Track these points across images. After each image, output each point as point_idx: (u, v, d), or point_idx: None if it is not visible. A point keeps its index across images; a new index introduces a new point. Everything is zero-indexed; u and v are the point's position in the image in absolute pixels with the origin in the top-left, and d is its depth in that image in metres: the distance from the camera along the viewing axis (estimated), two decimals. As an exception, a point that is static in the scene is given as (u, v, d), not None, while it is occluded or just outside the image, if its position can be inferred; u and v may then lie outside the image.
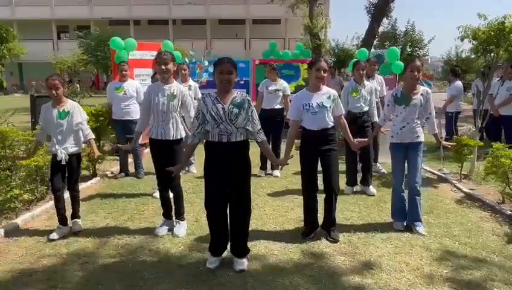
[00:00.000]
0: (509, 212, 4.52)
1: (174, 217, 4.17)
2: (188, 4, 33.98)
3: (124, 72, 6.17)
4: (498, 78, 7.86)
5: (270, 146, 5.43)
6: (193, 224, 4.30)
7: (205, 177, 3.32)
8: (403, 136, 4.10)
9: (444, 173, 6.33)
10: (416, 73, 3.95)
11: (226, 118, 3.14)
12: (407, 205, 4.18)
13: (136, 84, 6.40)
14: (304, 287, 3.08)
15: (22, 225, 4.29)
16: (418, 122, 4.09)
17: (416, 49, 19.52)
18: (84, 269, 3.36)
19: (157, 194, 4.47)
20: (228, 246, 3.46)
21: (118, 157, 6.67)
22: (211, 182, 3.30)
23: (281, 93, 6.31)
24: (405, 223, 4.19)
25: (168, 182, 4.04)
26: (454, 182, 5.81)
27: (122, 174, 6.36)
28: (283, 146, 6.42)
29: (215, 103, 3.18)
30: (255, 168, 5.24)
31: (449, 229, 4.18)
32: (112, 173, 6.47)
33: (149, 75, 7.87)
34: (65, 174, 4.10)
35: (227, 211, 3.35)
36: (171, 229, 4.09)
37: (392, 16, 17.96)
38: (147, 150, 5.24)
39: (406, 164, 4.17)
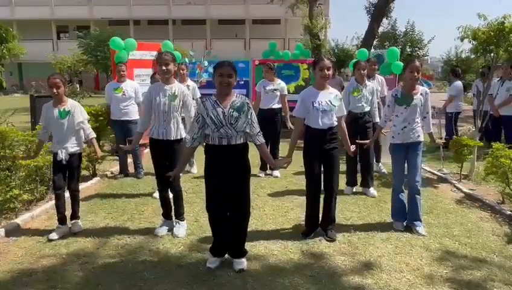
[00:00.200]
0: (509, 212, 4.52)
1: (173, 218, 4.17)
2: (188, 4, 33.96)
3: (121, 73, 6.18)
4: (498, 79, 7.86)
5: (268, 146, 5.41)
6: (193, 224, 4.30)
7: (206, 180, 3.32)
8: (404, 136, 4.09)
9: (443, 173, 6.33)
10: (415, 73, 3.96)
11: (227, 122, 3.14)
12: (407, 205, 4.19)
13: (135, 84, 6.41)
14: (303, 287, 3.08)
15: (22, 225, 4.29)
16: (419, 122, 4.10)
17: (416, 49, 19.52)
18: (84, 269, 3.36)
19: (156, 194, 4.48)
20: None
21: (118, 158, 6.68)
22: (211, 185, 3.30)
23: (278, 93, 6.29)
24: (405, 224, 4.19)
25: (167, 182, 4.03)
26: (454, 182, 5.81)
27: (122, 174, 6.36)
28: (281, 146, 6.46)
29: (215, 107, 3.18)
30: (255, 169, 5.24)
31: (449, 229, 4.18)
32: (112, 173, 6.47)
33: (149, 75, 7.83)
34: (66, 174, 4.11)
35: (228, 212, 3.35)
36: (170, 230, 4.09)
37: (391, 16, 17.96)
38: (147, 150, 5.24)
39: (405, 164, 4.17)
